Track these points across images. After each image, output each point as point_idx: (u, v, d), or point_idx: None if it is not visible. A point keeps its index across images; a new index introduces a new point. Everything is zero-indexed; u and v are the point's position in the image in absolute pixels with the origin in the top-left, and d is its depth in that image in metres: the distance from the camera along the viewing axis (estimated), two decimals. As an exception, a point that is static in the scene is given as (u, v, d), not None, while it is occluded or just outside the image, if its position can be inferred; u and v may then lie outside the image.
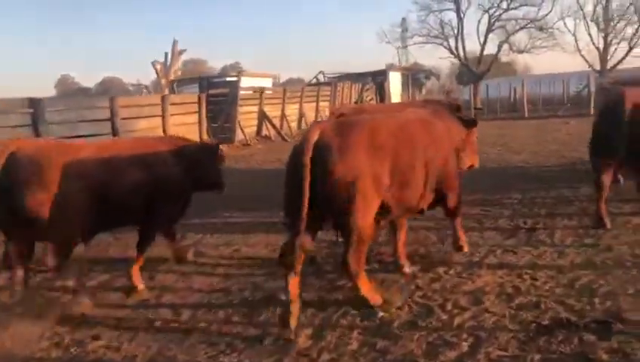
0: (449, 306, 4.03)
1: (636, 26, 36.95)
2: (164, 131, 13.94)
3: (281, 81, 39.23)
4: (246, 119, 18.74)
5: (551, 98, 29.28)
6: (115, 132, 12.12)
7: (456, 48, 39.23)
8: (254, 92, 19.86)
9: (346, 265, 3.78)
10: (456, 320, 3.79)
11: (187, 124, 15.33)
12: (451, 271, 4.79)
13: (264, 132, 19.35)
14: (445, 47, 39.94)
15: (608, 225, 5.81)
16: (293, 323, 3.64)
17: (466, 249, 5.05)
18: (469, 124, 5.17)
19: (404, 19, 41.36)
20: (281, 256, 3.79)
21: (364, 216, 3.72)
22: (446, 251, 5.31)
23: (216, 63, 71.86)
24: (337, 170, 3.59)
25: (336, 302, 4.20)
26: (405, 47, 40.88)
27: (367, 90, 29.56)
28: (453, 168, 4.62)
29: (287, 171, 3.80)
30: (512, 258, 5.09)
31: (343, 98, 26.28)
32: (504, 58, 47.95)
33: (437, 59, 41.61)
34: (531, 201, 7.41)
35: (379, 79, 31.72)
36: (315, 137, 3.63)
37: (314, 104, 23.70)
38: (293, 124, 21.80)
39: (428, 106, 5.80)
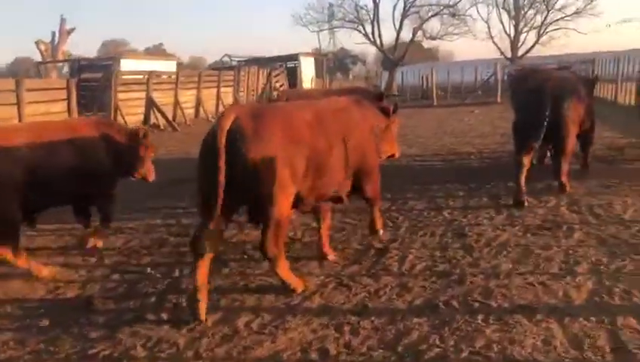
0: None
1: (545, 14, 37.91)
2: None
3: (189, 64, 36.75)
4: (130, 107, 16.97)
5: (463, 85, 29.05)
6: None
7: (372, 33, 38.69)
8: (144, 76, 18.10)
9: (264, 250, 3.78)
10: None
11: (53, 114, 13.41)
12: (256, 321, 3.64)
13: (152, 120, 17.61)
14: (361, 32, 39.35)
15: (525, 204, 6.13)
16: (201, 309, 3.62)
17: (382, 234, 5.15)
18: (388, 112, 5.14)
19: (330, 5, 40.17)
20: (192, 242, 3.72)
21: (281, 202, 3.71)
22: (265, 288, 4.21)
23: (138, 45, 68.64)
24: (252, 156, 3.54)
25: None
26: (321, 30, 39.80)
27: (277, 75, 28.19)
28: (372, 157, 4.66)
29: (200, 156, 3.72)
30: (342, 296, 4.00)
31: (249, 84, 24.77)
32: (426, 44, 48.18)
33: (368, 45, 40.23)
34: (399, 209, 6.42)
35: (291, 64, 30.38)
36: (229, 122, 3.55)
37: (214, 90, 22.05)
38: (190, 112, 20.16)
39: (351, 94, 5.84)
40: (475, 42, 36.07)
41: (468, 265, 4.48)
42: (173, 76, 20.42)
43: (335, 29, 39.44)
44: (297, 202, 3.98)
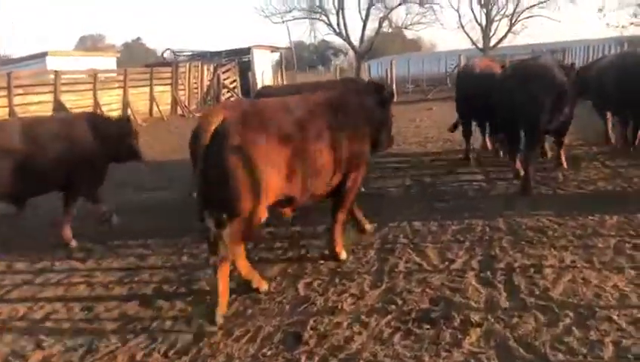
0: None
1: (517, 2, 35.99)
2: None
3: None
4: (35, 111, 14.71)
5: (424, 79, 27.07)
6: None
7: (338, 24, 36.56)
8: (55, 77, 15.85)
9: (225, 248, 3.62)
10: None
11: None
12: None
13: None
14: (326, 23, 37.22)
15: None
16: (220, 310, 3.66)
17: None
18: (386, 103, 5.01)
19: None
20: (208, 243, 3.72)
21: (254, 203, 3.61)
22: None
23: (116, 40, 66.66)
24: (233, 155, 3.49)
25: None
26: (284, 22, 37.58)
27: (227, 71, 25.92)
28: (365, 152, 4.61)
29: (190, 154, 3.83)
30: None
31: (191, 81, 22.51)
32: (410, 35, 46.26)
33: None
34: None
35: (244, 59, 28.06)
36: (215, 120, 3.54)
37: (147, 89, 19.81)
38: (115, 115, 17.91)
39: (339, 86, 5.96)
40: (460, 32, 33.99)
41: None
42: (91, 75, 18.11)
43: (297, 20, 37.24)
44: (286, 202, 4.05)
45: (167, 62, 22.69)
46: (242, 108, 3.80)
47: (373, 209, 5.87)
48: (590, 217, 5.26)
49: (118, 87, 18.36)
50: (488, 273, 4.13)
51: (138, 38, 61.30)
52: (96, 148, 5.75)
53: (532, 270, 4.12)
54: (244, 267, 3.98)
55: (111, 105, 17.82)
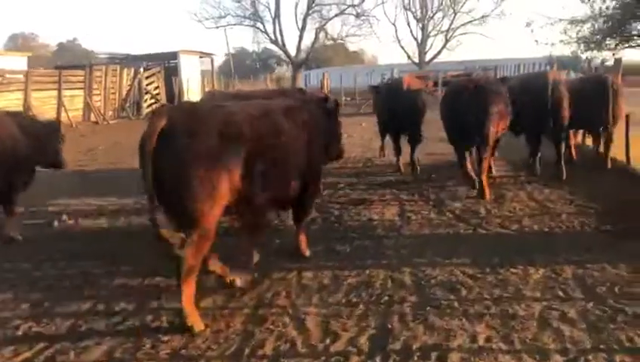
0: None
1: (452, 17, 36.22)
2: None
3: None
4: None
5: (357, 92, 26.47)
6: None
7: (274, 32, 35.56)
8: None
9: (180, 260, 3.38)
10: None
11: None
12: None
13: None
14: (261, 31, 36.16)
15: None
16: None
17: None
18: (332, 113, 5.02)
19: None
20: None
21: (210, 211, 3.43)
22: None
23: (50, 39, 63.20)
24: (184, 158, 3.32)
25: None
26: (217, 27, 36.20)
27: (151, 76, 24.29)
28: (320, 160, 4.71)
29: (139, 156, 3.43)
30: None
31: (108, 85, 20.78)
32: (352, 47, 45.76)
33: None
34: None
35: (170, 64, 26.40)
36: (162, 122, 3.33)
37: (53, 92, 17.98)
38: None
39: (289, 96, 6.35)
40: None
41: None
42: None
43: (230, 26, 35.93)
44: (241, 210, 3.94)
45: (81, 65, 20.79)
46: (185, 106, 3.79)
47: (263, 250, 4.80)
48: (512, 269, 4.39)
49: (17, 90, 16.47)
50: (377, 360, 3.11)
51: (74, 39, 58.16)
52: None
53: (434, 355, 3.13)
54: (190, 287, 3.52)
55: (8, 108, 15.94)
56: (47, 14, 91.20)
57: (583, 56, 20.42)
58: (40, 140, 5.74)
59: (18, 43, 54.02)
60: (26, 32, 57.06)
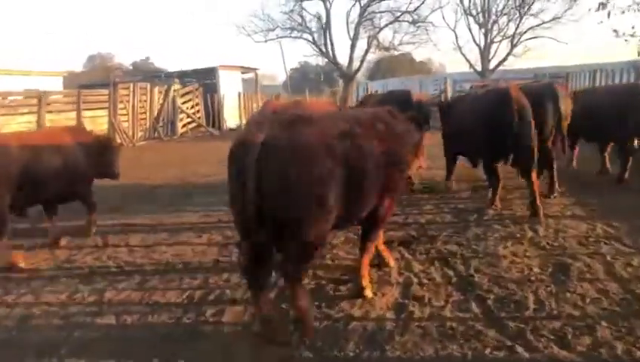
0: None
1: (518, 21, 32.95)
2: None
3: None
4: None
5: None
6: None
7: (325, 44, 33.67)
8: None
9: (292, 279, 3.37)
10: None
11: None
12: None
13: None
14: (310, 42, 34.38)
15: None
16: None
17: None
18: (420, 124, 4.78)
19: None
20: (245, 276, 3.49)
21: (319, 227, 3.28)
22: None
23: (125, 59, 65.32)
24: (290, 172, 3.12)
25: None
26: (266, 41, 34.74)
27: (187, 93, 22.97)
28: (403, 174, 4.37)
29: (229, 176, 3.29)
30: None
31: (136, 105, 19.55)
32: (418, 57, 43.30)
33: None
34: None
35: (208, 81, 24.98)
36: (261, 135, 3.11)
37: (72, 114, 16.86)
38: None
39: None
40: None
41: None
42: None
43: (280, 39, 34.32)
44: (338, 225, 3.71)
45: (104, 83, 19.70)
46: (283, 116, 3.50)
47: None
48: None
49: (29, 113, 15.35)
50: None
51: (147, 58, 59.03)
52: None
53: None
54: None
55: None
56: (122, 35, 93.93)
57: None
58: (97, 153, 6.18)
59: (96, 63, 55.54)
60: (103, 53, 58.32)
